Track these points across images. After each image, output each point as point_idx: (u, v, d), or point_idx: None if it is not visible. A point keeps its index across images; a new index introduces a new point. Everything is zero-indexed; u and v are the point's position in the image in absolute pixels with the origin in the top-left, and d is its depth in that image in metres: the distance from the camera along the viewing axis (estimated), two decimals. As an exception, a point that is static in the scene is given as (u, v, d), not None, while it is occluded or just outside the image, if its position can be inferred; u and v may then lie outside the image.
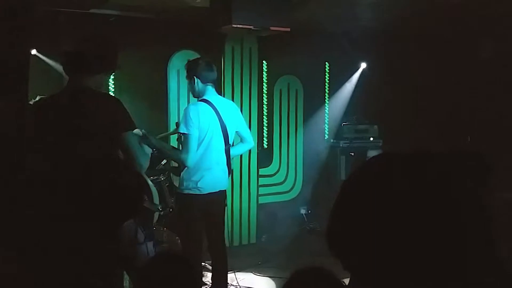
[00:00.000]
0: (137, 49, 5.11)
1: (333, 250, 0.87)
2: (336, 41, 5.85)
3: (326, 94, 6.64)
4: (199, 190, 3.71)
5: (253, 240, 5.71)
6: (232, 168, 4.00)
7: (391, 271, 0.79)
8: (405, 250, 0.77)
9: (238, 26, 4.70)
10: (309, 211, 6.50)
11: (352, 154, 6.02)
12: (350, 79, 6.57)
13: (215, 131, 3.73)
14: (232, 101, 4.12)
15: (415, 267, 0.78)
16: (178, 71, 5.30)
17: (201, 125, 3.66)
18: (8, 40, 2.47)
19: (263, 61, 5.91)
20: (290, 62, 5.89)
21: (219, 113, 3.74)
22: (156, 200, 3.57)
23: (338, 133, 6.40)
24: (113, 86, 5.14)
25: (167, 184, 4.89)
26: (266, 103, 6.01)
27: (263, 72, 5.95)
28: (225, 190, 3.94)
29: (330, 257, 0.91)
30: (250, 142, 4.06)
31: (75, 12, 4.63)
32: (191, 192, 3.71)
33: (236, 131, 3.91)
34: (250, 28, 4.82)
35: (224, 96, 5.46)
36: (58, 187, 1.12)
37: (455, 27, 5.23)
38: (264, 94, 5.97)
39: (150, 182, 4.08)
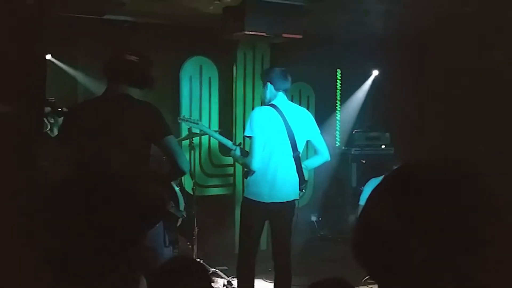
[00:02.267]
0: (150, 55, 5.14)
1: (359, 258, 0.87)
2: (348, 48, 5.84)
3: (337, 101, 6.64)
4: (262, 197, 3.62)
5: (263, 247, 5.69)
6: (306, 179, 3.84)
7: (416, 281, 0.79)
8: (433, 260, 0.77)
9: (251, 33, 4.72)
10: (320, 218, 6.48)
11: (364, 161, 6.00)
12: (362, 86, 6.57)
13: (280, 137, 3.64)
14: (305, 109, 3.97)
15: (440, 278, 0.78)
16: (190, 77, 5.33)
17: (265, 128, 3.59)
18: (26, 45, 2.51)
19: (275, 68, 5.92)
20: (302, 69, 5.90)
21: (285, 119, 3.64)
22: (182, 206, 3.59)
23: (349, 140, 6.38)
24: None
25: (178, 188, 4.92)
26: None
27: (275, 79, 5.95)
28: (295, 200, 3.76)
29: (340, 264, 0.91)
30: (325, 154, 3.84)
31: (90, 18, 4.68)
32: (253, 198, 3.64)
33: (308, 140, 3.80)
34: (263, 35, 4.84)
35: (236, 103, 5.49)
36: (91, 189, 1.13)
37: (467, 34, 5.21)
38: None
39: (176, 189, 4.11)
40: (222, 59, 5.49)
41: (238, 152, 3.93)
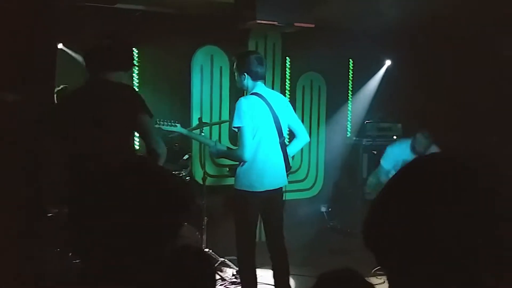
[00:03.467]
0: (161, 44, 5.14)
1: (369, 244, 0.87)
2: (360, 38, 5.78)
3: (349, 91, 6.58)
4: (255, 187, 3.63)
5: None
6: (291, 165, 3.90)
7: (427, 269, 0.79)
8: (444, 249, 0.77)
9: (262, 22, 4.69)
10: (330, 209, 6.46)
11: (375, 152, 5.95)
12: (374, 76, 6.50)
13: (268, 124, 3.66)
14: (282, 95, 4.03)
15: (452, 267, 0.78)
16: (201, 67, 5.32)
17: (254, 117, 3.60)
18: (37, 35, 2.51)
19: (287, 58, 5.88)
20: (314, 59, 5.85)
21: (271, 106, 3.68)
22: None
23: (360, 131, 6.34)
24: (137, 81, 5.18)
25: (188, 179, 4.92)
26: (288, 100, 5.97)
27: (286, 69, 5.92)
28: (282, 187, 3.81)
29: (349, 255, 0.92)
30: (305, 136, 3.90)
31: (101, 7, 4.67)
32: (246, 189, 3.63)
33: (288, 125, 3.84)
34: (274, 24, 4.80)
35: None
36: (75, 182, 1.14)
37: (481, 24, 5.13)
38: (287, 91, 5.94)
39: None
40: (234, 48, 5.46)
41: (220, 147, 3.98)
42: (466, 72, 5.54)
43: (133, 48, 3.11)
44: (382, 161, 5.13)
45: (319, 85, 6.11)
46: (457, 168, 0.83)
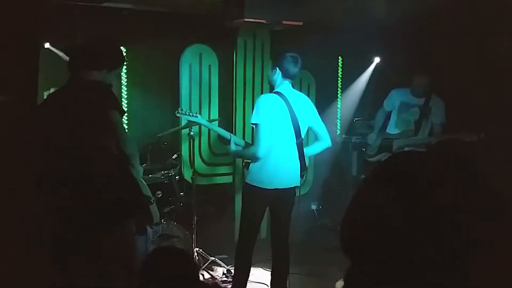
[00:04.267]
0: (149, 43, 5.11)
1: (344, 245, 0.87)
2: (349, 36, 5.79)
3: (338, 89, 6.59)
4: (264, 184, 3.66)
5: (263, 235, 5.69)
6: (307, 166, 3.90)
7: (399, 268, 0.79)
8: (415, 249, 0.77)
9: (250, 20, 4.68)
10: (320, 207, 6.47)
11: (364, 149, 5.97)
12: (363, 74, 6.52)
13: (285, 124, 3.69)
14: (306, 96, 4.04)
15: (426, 266, 0.77)
16: (190, 65, 5.29)
17: (271, 116, 3.63)
18: (19, 34, 2.48)
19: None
20: (303, 57, 5.84)
21: (290, 106, 3.70)
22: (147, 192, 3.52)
23: (350, 129, 6.35)
24: (125, 80, 5.15)
25: (177, 178, 4.90)
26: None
27: (276, 67, 5.91)
28: (295, 187, 3.82)
29: (339, 253, 0.91)
30: (326, 140, 3.88)
31: (88, 6, 4.64)
32: (256, 185, 3.67)
33: (309, 127, 3.85)
34: (263, 22, 4.79)
35: (236, 91, 5.46)
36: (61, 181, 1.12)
37: (472, 21, 5.14)
38: (276, 89, 5.93)
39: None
40: (222, 46, 5.45)
41: (235, 139, 4.04)
42: (458, 69, 5.55)
43: (120, 47, 3.01)
44: (384, 102, 5.28)
45: (309, 83, 6.11)
46: (431, 166, 0.83)
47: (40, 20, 2.95)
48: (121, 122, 2.90)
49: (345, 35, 5.77)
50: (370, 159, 5.38)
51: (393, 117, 5.23)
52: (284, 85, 3.76)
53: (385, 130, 5.31)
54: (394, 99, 5.22)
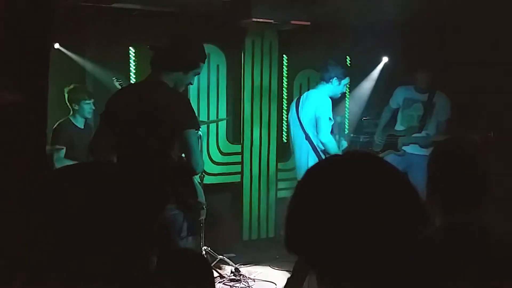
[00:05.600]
0: (159, 42, 5.13)
1: (291, 249, 0.93)
2: (358, 35, 5.79)
3: (346, 88, 6.56)
4: (297, 178, 4.27)
5: (271, 234, 5.72)
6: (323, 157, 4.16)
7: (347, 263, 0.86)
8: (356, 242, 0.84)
9: (259, 20, 4.70)
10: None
11: (371, 149, 5.97)
12: (372, 73, 6.51)
13: (295, 123, 4.26)
14: (319, 92, 4.31)
15: (370, 261, 0.84)
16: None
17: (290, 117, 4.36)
18: (30, 34, 2.51)
19: (283, 55, 5.89)
20: (311, 56, 5.86)
21: (298, 104, 4.29)
22: (202, 198, 3.60)
23: (358, 128, 6.35)
24: (134, 79, 5.19)
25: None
26: (286, 98, 5.99)
27: (283, 67, 5.93)
28: None
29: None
30: (320, 134, 4.12)
31: (98, 7, 4.68)
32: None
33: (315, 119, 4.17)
34: (271, 22, 4.81)
35: (243, 92, 5.48)
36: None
37: (482, 20, 5.12)
38: (284, 89, 5.95)
39: (196, 181, 4.13)
40: (230, 46, 5.47)
41: None
42: (466, 68, 5.53)
43: (198, 49, 3.08)
44: (390, 100, 5.41)
45: (317, 82, 6.10)
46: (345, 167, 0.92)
47: (50, 20, 2.98)
48: (195, 139, 2.85)
49: (353, 34, 5.78)
50: None
51: (399, 114, 5.26)
52: (318, 86, 4.39)
53: (393, 127, 5.33)
54: (399, 96, 5.29)
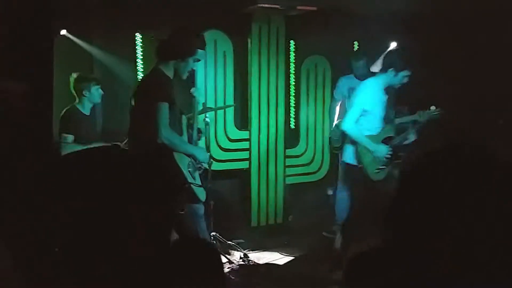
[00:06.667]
0: (164, 29, 5.11)
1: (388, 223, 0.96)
2: (365, 20, 5.73)
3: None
4: None
5: (279, 220, 5.73)
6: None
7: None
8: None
9: (265, 5, 4.68)
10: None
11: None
12: (379, 59, 6.45)
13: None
14: (371, 81, 4.30)
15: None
16: (205, 52, 5.29)
17: None
18: (34, 22, 2.51)
19: (291, 41, 5.85)
20: (318, 42, 5.82)
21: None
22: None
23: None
24: (141, 67, 5.19)
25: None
26: (293, 84, 5.96)
27: (290, 52, 5.90)
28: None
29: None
30: (343, 120, 4.24)
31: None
32: None
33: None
34: (277, 8, 4.78)
35: (250, 78, 5.46)
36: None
37: (491, 9, 5.04)
38: (291, 75, 5.92)
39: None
40: (237, 33, 5.44)
41: None
42: (474, 57, 5.47)
43: (195, 35, 3.51)
44: (333, 93, 5.58)
45: (324, 68, 6.08)
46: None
47: (55, 6, 2.98)
48: (163, 113, 3.19)
49: (361, 19, 5.72)
50: (338, 152, 5.34)
51: (347, 104, 5.28)
52: None
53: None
54: (342, 87, 5.39)
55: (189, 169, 3.44)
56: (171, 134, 3.26)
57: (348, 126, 4.11)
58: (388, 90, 4.22)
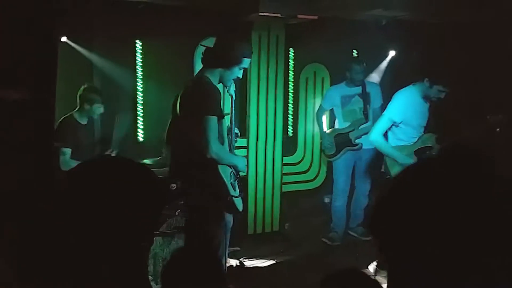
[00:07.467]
0: (164, 37, 5.14)
1: (374, 230, 0.95)
2: (364, 29, 5.76)
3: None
4: None
5: (276, 228, 5.74)
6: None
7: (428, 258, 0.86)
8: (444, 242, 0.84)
9: (265, 14, 4.68)
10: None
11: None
12: (378, 67, 6.48)
13: None
14: (405, 90, 4.29)
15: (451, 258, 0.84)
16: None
17: None
18: (38, 29, 2.52)
19: (290, 49, 5.87)
20: (317, 50, 5.84)
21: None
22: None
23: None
24: (141, 74, 5.20)
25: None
26: (292, 91, 5.98)
27: (290, 60, 5.92)
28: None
29: (353, 245, 1.00)
30: (371, 132, 4.37)
31: (105, 0, 4.68)
32: None
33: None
34: (277, 16, 4.79)
35: (249, 86, 5.47)
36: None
37: (490, 14, 5.07)
38: (290, 82, 5.94)
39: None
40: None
41: None
42: (473, 62, 5.49)
43: (237, 46, 3.31)
44: (322, 103, 5.61)
45: (323, 76, 6.10)
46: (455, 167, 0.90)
47: (57, 13, 2.99)
48: (212, 126, 3.11)
49: (360, 28, 5.75)
50: (332, 159, 5.38)
51: (338, 112, 5.38)
52: None
53: (333, 127, 5.47)
54: (333, 96, 5.41)
55: (231, 181, 3.38)
56: (220, 148, 3.16)
57: (375, 137, 4.13)
58: (427, 99, 4.17)
